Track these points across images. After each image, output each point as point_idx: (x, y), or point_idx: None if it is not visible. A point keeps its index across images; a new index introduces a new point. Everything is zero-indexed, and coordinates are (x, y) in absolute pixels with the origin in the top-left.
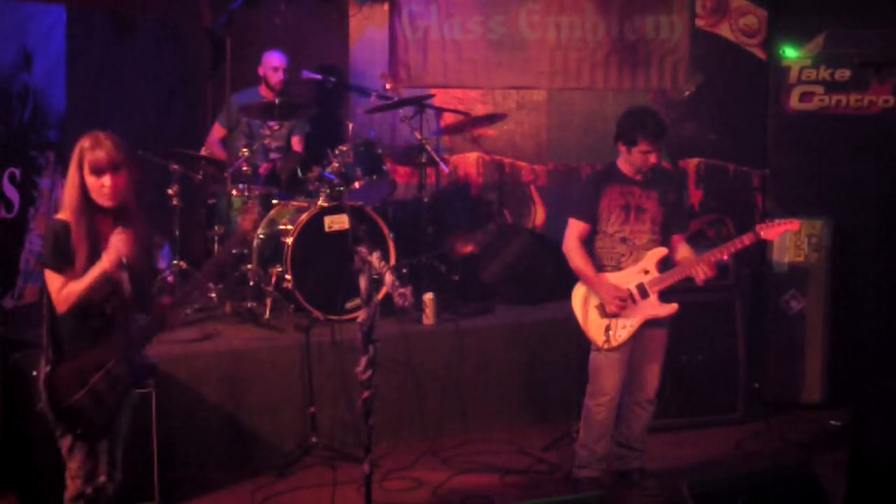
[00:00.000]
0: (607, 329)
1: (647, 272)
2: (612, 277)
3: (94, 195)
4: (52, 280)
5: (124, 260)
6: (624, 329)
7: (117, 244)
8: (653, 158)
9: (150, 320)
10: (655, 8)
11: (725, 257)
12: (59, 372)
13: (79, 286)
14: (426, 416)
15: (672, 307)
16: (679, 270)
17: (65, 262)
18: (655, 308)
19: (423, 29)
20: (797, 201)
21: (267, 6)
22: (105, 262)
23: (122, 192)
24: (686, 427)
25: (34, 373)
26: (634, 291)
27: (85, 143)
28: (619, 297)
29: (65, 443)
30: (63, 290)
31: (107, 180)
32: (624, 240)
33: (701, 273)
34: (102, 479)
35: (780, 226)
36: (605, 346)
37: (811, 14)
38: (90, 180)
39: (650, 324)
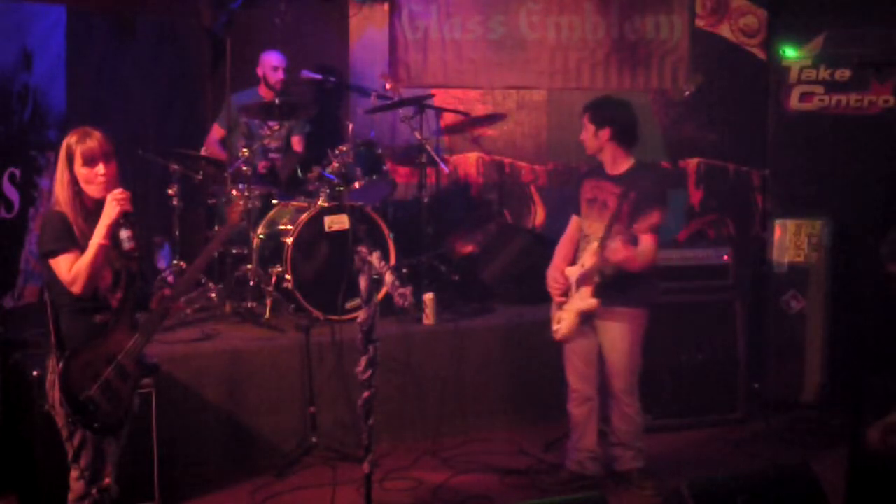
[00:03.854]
0: (558, 321)
1: (583, 266)
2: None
3: (87, 187)
4: (60, 264)
5: (122, 220)
6: (562, 322)
7: (117, 201)
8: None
9: (151, 314)
10: (655, 8)
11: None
12: (71, 367)
13: (87, 257)
14: (426, 416)
15: (590, 303)
16: (594, 265)
17: (69, 243)
18: (583, 301)
19: (423, 29)
20: (797, 201)
21: (267, 6)
22: (106, 218)
23: (114, 183)
24: (686, 427)
25: (34, 373)
26: (573, 285)
27: (72, 138)
28: (554, 282)
29: (74, 442)
30: (73, 268)
31: (100, 169)
32: (586, 235)
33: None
34: (108, 480)
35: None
36: (555, 337)
37: (811, 14)
38: (83, 172)
39: (603, 318)
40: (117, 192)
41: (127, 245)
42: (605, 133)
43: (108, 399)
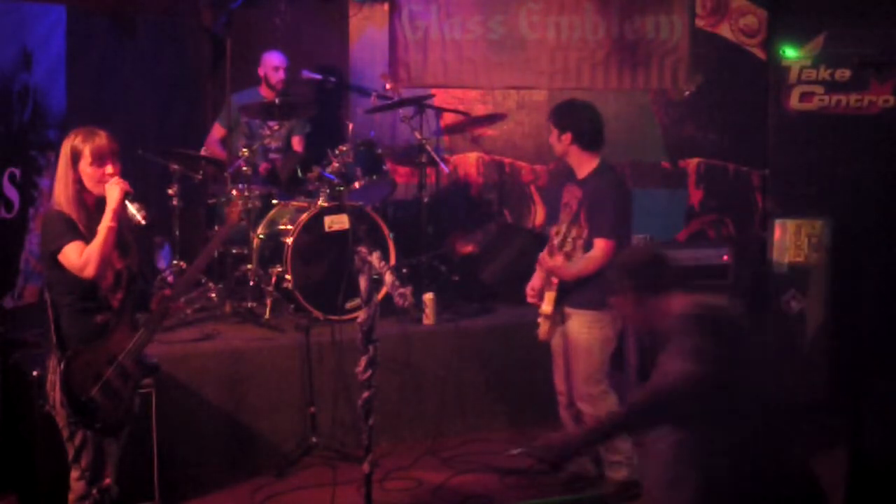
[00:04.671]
0: (538, 323)
1: None
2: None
3: (94, 186)
4: (68, 254)
5: (128, 201)
6: (540, 325)
7: (117, 183)
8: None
9: (152, 314)
10: (655, 8)
11: None
12: (72, 368)
13: (97, 240)
14: (426, 416)
15: (544, 308)
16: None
17: (74, 235)
18: (545, 305)
19: (423, 29)
20: (797, 201)
21: (267, 6)
22: (111, 202)
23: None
24: None
25: (34, 373)
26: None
27: (77, 138)
28: (530, 287)
29: (74, 443)
30: (84, 253)
31: (109, 168)
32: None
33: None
34: (108, 481)
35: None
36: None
37: (811, 14)
38: (90, 171)
39: (565, 321)
40: (115, 179)
41: (140, 216)
42: (567, 137)
43: (108, 399)
